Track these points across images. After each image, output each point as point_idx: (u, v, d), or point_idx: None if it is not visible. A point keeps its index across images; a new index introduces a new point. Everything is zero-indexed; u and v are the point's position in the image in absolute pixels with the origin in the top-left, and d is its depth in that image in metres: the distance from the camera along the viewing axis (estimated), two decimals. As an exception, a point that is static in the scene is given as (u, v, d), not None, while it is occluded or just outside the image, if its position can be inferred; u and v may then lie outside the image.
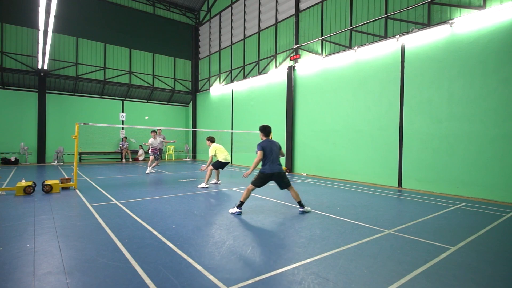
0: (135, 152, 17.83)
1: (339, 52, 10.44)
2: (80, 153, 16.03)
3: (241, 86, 15.73)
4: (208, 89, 18.65)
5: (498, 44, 6.79)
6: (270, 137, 5.54)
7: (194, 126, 19.93)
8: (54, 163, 14.83)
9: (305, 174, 11.68)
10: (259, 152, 5.19)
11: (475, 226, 4.70)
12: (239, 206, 5.24)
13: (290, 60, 12.50)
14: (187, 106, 20.87)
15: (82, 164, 15.10)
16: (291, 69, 12.35)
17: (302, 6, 12.06)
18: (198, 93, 20.14)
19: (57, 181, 7.27)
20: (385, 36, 9.08)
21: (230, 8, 16.76)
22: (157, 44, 18.63)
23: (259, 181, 5.22)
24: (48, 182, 7.14)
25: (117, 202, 6.04)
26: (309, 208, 5.54)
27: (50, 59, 15.01)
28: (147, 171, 11.16)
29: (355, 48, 9.76)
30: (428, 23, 8.09)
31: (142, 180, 9.46)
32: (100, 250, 3.41)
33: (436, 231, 4.36)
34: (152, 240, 3.80)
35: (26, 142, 14.70)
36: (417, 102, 8.26)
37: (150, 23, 18.33)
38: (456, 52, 7.51)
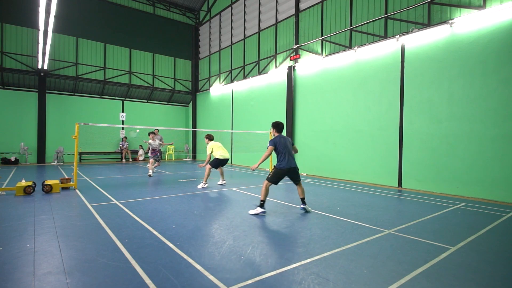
0: (135, 152, 17.83)
1: (339, 52, 10.44)
2: (80, 153, 16.03)
3: (241, 86, 15.73)
4: (208, 89, 18.65)
5: (498, 44, 6.79)
6: (281, 133, 5.55)
7: (194, 126, 19.94)
8: (54, 163, 14.83)
9: (305, 174, 11.68)
10: (269, 147, 5.23)
11: (475, 226, 4.70)
12: (262, 206, 5.15)
13: (290, 60, 12.50)
14: (187, 106, 20.87)
15: (82, 164, 15.10)
16: (291, 69, 12.35)
17: (302, 6, 12.06)
18: (198, 93, 20.14)
19: (57, 181, 7.27)
20: (385, 36, 9.08)
21: (230, 8, 16.77)
22: (157, 44, 18.64)
23: (275, 178, 5.22)
24: (48, 182, 7.14)
25: (117, 202, 6.04)
26: (310, 208, 5.56)
27: (50, 59, 15.02)
28: (149, 173, 10.52)
29: (355, 48, 9.76)
30: (428, 23, 8.09)
31: (142, 180, 9.46)
32: (100, 250, 3.41)
33: (436, 231, 4.36)
34: (152, 240, 3.80)
35: (26, 142, 14.70)
36: (417, 102, 8.26)
37: (150, 23, 18.33)
38: (456, 52, 7.51)
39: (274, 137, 5.46)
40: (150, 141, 10.84)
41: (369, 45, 9.40)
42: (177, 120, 20.27)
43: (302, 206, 5.48)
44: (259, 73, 14.39)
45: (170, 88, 19.29)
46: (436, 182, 7.83)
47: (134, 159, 17.68)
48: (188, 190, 7.71)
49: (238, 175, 11.14)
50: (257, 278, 2.77)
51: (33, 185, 6.99)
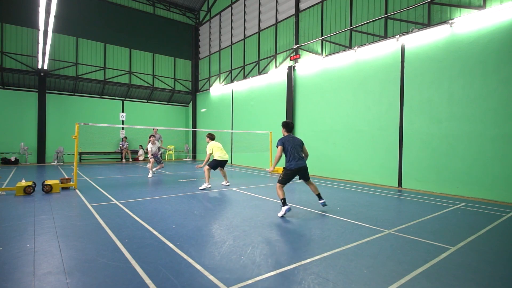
0: (135, 152, 17.83)
1: (339, 52, 10.45)
2: (80, 153, 16.03)
3: (241, 86, 15.73)
4: (208, 89, 18.65)
5: (498, 44, 6.79)
6: (292, 133, 5.53)
7: (194, 126, 19.94)
8: (54, 163, 14.83)
9: (305, 174, 11.66)
10: (279, 147, 5.24)
11: (475, 226, 4.70)
12: (284, 204, 5.08)
13: (290, 60, 12.50)
14: (187, 106, 20.87)
15: (82, 164, 15.10)
16: (291, 69, 12.35)
17: (302, 6, 12.06)
18: (198, 93, 20.14)
19: (57, 181, 7.27)
20: (385, 36, 9.08)
21: (230, 8, 16.77)
22: (157, 44, 18.64)
23: (286, 178, 5.22)
24: (48, 182, 7.14)
25: (117, 202, 6.04)
26: (325, 201, 5.66)
27: (50, 59, 15.02)
28: (150, 175, 10.32)
29: (355, 48, 9.76)
30: (428, 23, 8.09)
31: (142, 180, 9.46)
32: (100, 250, 3.41)
33: (436, 231, 4.36)
34: (152, 240, 3.80)
35: (26, 142, 14.70)
36: (417, 102, 8.26)
37: (150, 23, 18.33)
38: (456, 52, 7.51)
39: (282, 136, 5.43)
40: (149, 146, 10.45)
41: (369, 45, 9.40)
42: (177, 120, 20.27)
43: (320, 201, 5.54)
44: (259, 73, 14.39)
45: (170, 88, 19.29)
46: (436, 182, 7.83)
47: (134, 159, 17.68)
48: (188, 190, 7.71)
49: (238, 175, 11.14)
50: (257, 278, 2.77)
51: (33, 185, 6.99)
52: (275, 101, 13.40)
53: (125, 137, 17.44)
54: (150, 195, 6.89)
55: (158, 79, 18.79)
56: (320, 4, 11.22)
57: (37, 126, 14.94)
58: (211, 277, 2.78)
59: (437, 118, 7.82)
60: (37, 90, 15.05)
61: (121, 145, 17.30)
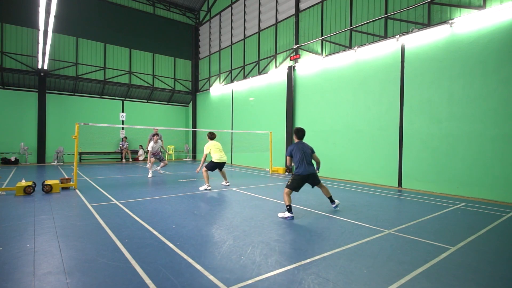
0: (135, 152, 17.83)
1: (339, 52, 10.44)
2: (80, 153, 16.03)
3: (241, 86, 15.73)
4: (208, 89, 18.65)
5: (498, 44, 6.79)
6: (302, 140, 5.55)
7: (194, 126, 19.94)
8: (54, 163, 14.83)
9: (305, 174, 11.67)
10: (287, 157, 5.42)
11: (475, 226, 4.70)
12: (289, 210, 4.98)
13: (290, 60, 12.50)
14: (187, 106, 20.87)
15: (82, 164, 15.10)
16: (291, 69, 12.35)
17: (302, 6, 12.06)
18: (198, 93, 20.14)
19: (57, 181, 7.27)
20: (385, 36, 9.08)
21: (230, 8, 16.77)
22: (157, 44, 18.64)
23: (295, 184, 5.13)
24: (48, 182, 7.14)
25: (117, 202, 6.04)
26: (338, 202, 5.71)
27: (50, 59, 15.02)
28: (149, 175, 10.31)
29: (355, 48, 9.76)
30: (428, 23, 8.09)
31: (142, 180, 9.46)
32: (100, 250, 3.41)
33: (436, 231, 4.36)
34: (152, 240, 3.80)
35: (26, 142, 14.70)
36: (417, 102, 8.26)
37: (150, 23, 18.33)
38: (456, 52, 7.51)
39: (292, 144, 5.49)
40: (151, 145, 10.26)
41: (369, 45, 9.40)
42: (177, 120, 20.27)
43: (333, 205, 5.61)
44: (259, 73, 14.39)
45: (170, 88, 19.29)
46: (436, 182, 7.83)
47: (134, 159, 17.68)
48: (188, 190, 7.71)
49: (238, 175, 11.14)
50: (257, 278, 2.77)
51: (33, 185, 6.99)
52: (275, 101, 13.40)
53: (125, 137, 17.44)
54: (150, 195, 6.89)
55: (158, 79, 18.79)
56: (320, 4, 11.22)
57: (37, 126, 14.94)
58: (211, 277, 2.78)
59: (437, 118, 7.82)
60: (37, 90, 15.05)
61: (121, 145, 17.30)
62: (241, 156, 15.74)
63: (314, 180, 5.37)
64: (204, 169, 7.89)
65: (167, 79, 19.22)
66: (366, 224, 4.70)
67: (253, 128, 14.39)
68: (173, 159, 19.36)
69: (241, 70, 15.80)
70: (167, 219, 4.84)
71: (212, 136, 8.22)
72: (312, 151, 5.46)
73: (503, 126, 6.69)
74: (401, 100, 8.63)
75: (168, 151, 12.68)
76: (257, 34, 14.64)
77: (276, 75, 13.33)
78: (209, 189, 7.77)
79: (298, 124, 12.14)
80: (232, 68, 16.55)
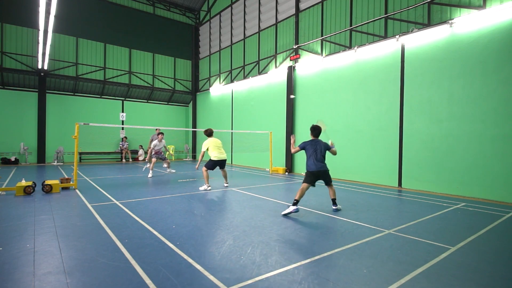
0: (135, 152, 17.83)
1: (339, 52, 10.44)
2: (80, 153, 16.03)
3: (241, 86, 15.73)
4: (208, 89, 18.65)
5: (498, 44, 6.79)
6: (318, 138, 5.70)
7: (194, 126, 19.94)
8: (54, 163, 14.83)
9: (305, 174, 11.66)
10: (298, 147, 5.62)
11: (475, 226, 4.70)
12: (294, 204, 5.14)
13: (290, 60, 12.50)
14: (187, 106, 20.87)
15: (82, 164, 15.10)
16: (291, 69, 12.35)
17: (302, 6, 12.06)
18: (198, 93, 20.14)
19: (57, 181, 7.27)
20: (385, 36, 9.08)
21: (230, 8, 16.76)
22: (157, 44, 18.64)
23: (308, 179, 5.41)
24: (48, 182, 7.14)
25: (117, 202, 6.04)
26: (340, 207, 5.76)
27: (50, 59, 15.02)
28: (149, 175, 10.24)
29: (355, 48, 9.76)
30: (428, 23, 8.09)
31: (142, 180, 9.46)
32: (100, 250, 3.41)
33: (436, 231, 4.36)
34: (152, 240, 3.80)
35: (26, 142, 14.70)
36: (417, 102, 8.26)
37: (150, 23, 18.33)
38: (456, 52, 7.51)
39: (308, 140, 5.67)
40: (155, 143, 10.24)
41: (369, 45, 9.40)
42: (177, 120, 20.28)
43: (333, 207, 5.63)
44: (259, 73, 14.39)
45: (170, 88, 19.29)
46: (436, 182, 7.83)
47: (134, 159, 17.67)
48: (188, 190, 7.71)
49: (238, 175, 11.14)
50: (257, 278, 2.77)
51: (33, 185, 6.99)
52: (275, 101, 13.40)
53: (125, 137, 17.44)
54: (150, 195, 6.89)
55: (158, 79, 18.79)
56: (320, 4, 11.22)
57: (37, 126, 14.94)
58: (211, 277, 2.78)
59: (437, 118, 7.82)
60: (37, 90, 15.05)
61: (121, 145, 17.30)
62: (241, 156, 15.74)
63: (325, 178, 5.56)
64: (204, 168, 7.78)
65: (167, 79, 19.22)
66: (366, 224, 4.70)
67: (253, 128, 14.39)
68: (173, 159, 19.36)
69: (241, 70, 15.80)
70: (167, 219, 4.84)
71: (207, 132, 7.96)
72: (327, 148, 5.66)
73: (503, 126, 6.69)
74: (401, 100, 8.63)
75: (170, 151, 12.74)
76: (257, 34, 14.64)
77: (276, 75, 13.33)
78: (209, 189, 7.73)
79: (298, 124, 12.14)
80: (232, 68, 16.55)
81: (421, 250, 3.59)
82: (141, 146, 17.57)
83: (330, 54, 10.82)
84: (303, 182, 5.41)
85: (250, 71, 15.02)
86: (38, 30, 14.31)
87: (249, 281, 2.71)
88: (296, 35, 12.25)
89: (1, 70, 13.95)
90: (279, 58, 13.26)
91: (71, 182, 7.66)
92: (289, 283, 2.69)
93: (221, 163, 7.88)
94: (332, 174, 10.46)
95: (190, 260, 3.16)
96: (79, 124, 7.69)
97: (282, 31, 13.17)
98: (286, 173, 12.01)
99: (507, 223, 4.94)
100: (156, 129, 11.35)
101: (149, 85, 18.39)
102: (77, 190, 7.36)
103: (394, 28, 8.92)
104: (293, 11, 12.49)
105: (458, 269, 3.07)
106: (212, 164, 7.75)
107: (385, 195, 7.32)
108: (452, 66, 7.57)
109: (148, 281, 2.69)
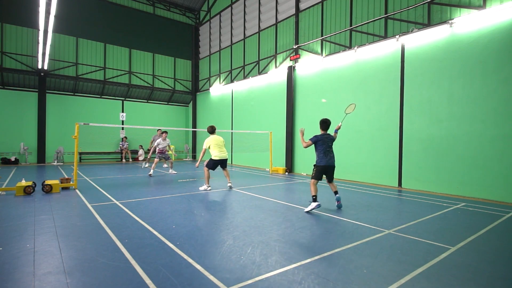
0: (135, 152, 17.83)
1: (339, 52, 10.44)
2: (80, 153, 16.03)
3: (241, 86, 15.73)
4: (208, 89, 18.65)
5: (498, 44, 6.79)
6: (327, 132, 5.85)
7: (194, 126, 19.94)
8: (54, 163, 14.83)
9: (305, 174, 11.68)
10: (308, 140, 5.69)
11: (475, 226, 4.70)
12: (314, 200, 5.37)
13: (290, 60, 12.50)
14: (187, 106, 20.87)
15: (82, 164, 15.10)
16: (291, 69, 12.35)
17: (302, 6, 12.06)
18: (198, 93, 20.14)
19: (57, 181, 7.27)
20: (385, 36, 9.08)
21: (230, 8, 16.76)
22: (157, 44, 18.64)
23: (316, 174, 5.57)
24: (48, 182, 7.14)
25: (117, 202, 6.04)
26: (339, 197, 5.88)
27: (50, 59, 15.02)
28: (150, 172, 10.36)
29: (355, 48, 9.76)
30: (428, 23, 8.09)
31: (142, 180, 9.46)
32: (100, 250, 3.41)
33: (436, 231, 4.36)
34: (152, 240, 3.80)
35: (26, 142, 14.70)
36: (417, 102, 8.26)
37: (150, 23, 18.33)
38: (456, 52, 7.51)
39: (319, 135, 5.76)
40: (161, 140, 10.54)
41: (369, 45, 9.40)
42: (177, 120, 20.28)
43: (336, 196, 5.75)
44: (259, 73, 14.39)
45: (170, 88, 19.29)
46: (436, 182, 7.83)
47: (134, 159, 17.67)
48: (188, 190, 7.71)
49: (238, 175, 11.14)
50: (257, 278, 2.77)
51: (33, 185, 6.99)
52: (275, 101, 13.40)
53: (125, 137, 17.44)
54: (150, 195, 6.89)
55: (158, 79, 18.79)
56: (320, 4, 11.22)
57: (37, 126, 14.94)
58: (211, 277, 2.78)
59: (437, 118, 7.82)
60: (37, 90, 15.05)
61: (121, 145, 17.30)
62: (241, 156, 15.73)
63: (331, 174, 5.72)
64: (206, 168, 7.71)
65: (167, 79, 19.22)
66: (366, 224, 4.70)
67: (253, 128, 14.39)
68: (173, 159, 19.34)
69: (241, 70, 15.80)
70: (167, 219, 4.84)
71: (209, 129, 7.83)
72: (333, 140, 5.85)
73: (503, 126, 6.69)
74: (401, 100, 8.63)
75: (172, 151, 12.79)
76: (257, 34, 14.64)
77: (276, 75, 13.33)
78: (209, 189, 7.71)
79: (298, 124, 12.14)
80: (232, 68, 16.55)
81: (421, 250, 3.59)
82: (141, 146, 17.57)
83: (330, 54, 10.82)
84: (312, 178, 5.55)
85: (250, 71, 15.02)
86: (38, 30, 14.31)
87: (249, 281, 2.71)
88: (296, 35, 12.25)
89: (1, 70, 13.95)
90: (279, 58, 13.26)
91: (71, 182, 7.66)
92: (289, 283, 2.69)
93: (222, 163, 7.76)
94: (332, 174, 10.56)
95: (190, 260, 3.16)
96: (79, 124, 7.69)
97: (282, 31, 13.17)
98: (286, 173, 12.01)
99: (507, 223, 4.94)
100: (158, 130, 11.38)
101: (149, 85, 18.40)
102: (77, 190, 7.36)
103: (394, 28, 8.92)
104: (293, 11, 12.49)
105: (458, 269, 3.07)
106: (213, 164, 7.66)
107: (385, 195, 7.32)
108: (452, 66, 7.57)
109: (148, 281, 2.69)
